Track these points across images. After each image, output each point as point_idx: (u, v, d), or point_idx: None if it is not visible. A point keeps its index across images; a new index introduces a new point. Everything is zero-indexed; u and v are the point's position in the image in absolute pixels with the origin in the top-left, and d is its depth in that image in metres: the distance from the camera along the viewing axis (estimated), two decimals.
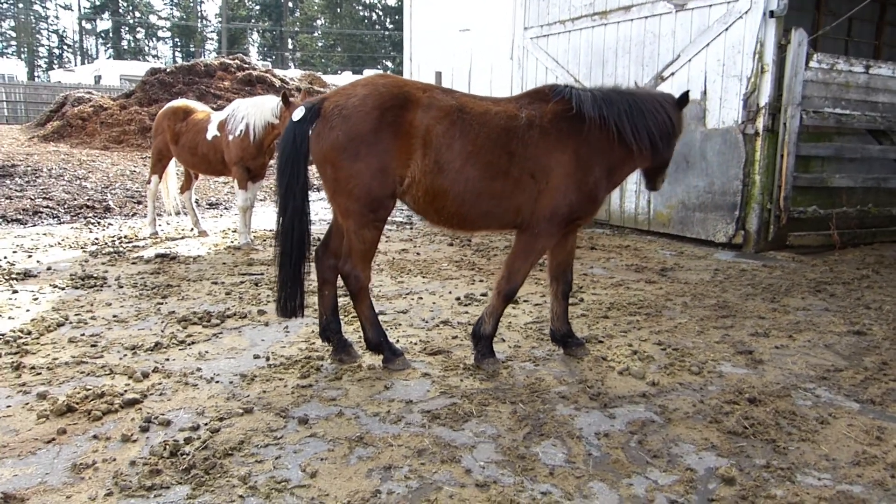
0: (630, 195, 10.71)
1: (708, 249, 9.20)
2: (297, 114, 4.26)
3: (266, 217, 11.38)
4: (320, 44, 73.26)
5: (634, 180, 10.54)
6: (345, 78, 36.67)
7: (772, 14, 8.53)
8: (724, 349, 5.11)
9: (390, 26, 71.03)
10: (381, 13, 75.15)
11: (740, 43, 8.89)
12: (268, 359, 4.71)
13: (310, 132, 4.20)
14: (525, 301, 6.31)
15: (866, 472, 3.36)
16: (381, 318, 5.64)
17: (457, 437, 3.62)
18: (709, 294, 6.71)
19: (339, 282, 4.71)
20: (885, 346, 5.30)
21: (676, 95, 4.74)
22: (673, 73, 9.78)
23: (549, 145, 4.28)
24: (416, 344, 5.07)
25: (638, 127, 4.40)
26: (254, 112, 8.21)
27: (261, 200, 13.08)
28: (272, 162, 8.92)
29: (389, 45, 69.36)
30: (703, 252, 9.02)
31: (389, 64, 67.50)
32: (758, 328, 5.63)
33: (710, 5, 9.22)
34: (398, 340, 5.11)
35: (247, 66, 23.47)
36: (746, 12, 8.75)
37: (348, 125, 4.06)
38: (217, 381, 4.30)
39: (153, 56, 74.85)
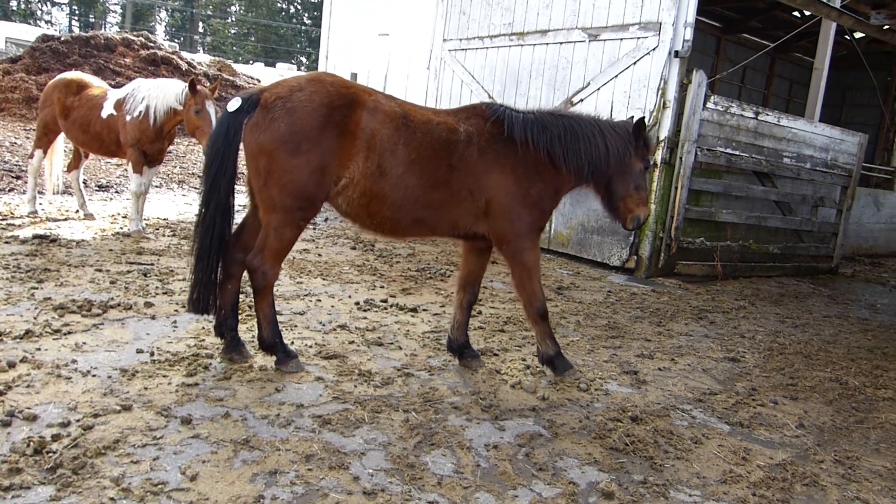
0: None
1: (603, 272, 9.55)
2: (233, 104, 4.08)
3: (161, 204, 10.86)
4: (233, 31, 71.02)
5: None
6: (256, 69, 35.64)
7: (676, 54, 9.00)
8: (612, 368, 5.31)
9: (308, 21, 69.76)
10: (299, 6, 73.69)
11: (646, 78, 9.33)
12: (152, 354, 4.48)
13: (244, 123, 4.04)
14: (424, 310, 6.32)
15: (732, 490, 3.57)
16: (277, 318, 5.50)
17: (347, 443, 3.56)
18: (601, 315, 6.96)
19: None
20: (755, 373, 5.67)
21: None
22: (582, 100, 10.13)
23: (488, 165, 4.40)
24: (311, 347, 4.97)
25: (568, 151, 4.52)
26: (156, 94, 7.84)
27: (156, 187, 12.48)
28: (171, 148, 8.54)
29: (306, 40, 68.08)
30: (599, 274, 9.36)
31: (304, 60, 66.24)
32: (644, 350, 5.88)
33: (621, 39, 9.63)
34: (293, 342, 4.98)
35: (152, 44, 22.39)
36: (654, 49, 9.20)
37: (293, 118, 3.94)
38: (94, 375, 4.04)
39: (46, 22, 70.02)
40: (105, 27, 67.71)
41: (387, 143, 4.13)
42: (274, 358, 4.48)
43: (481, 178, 4.39)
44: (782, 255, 11.29)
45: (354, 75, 14.31)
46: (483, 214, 4.48)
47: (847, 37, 16.18)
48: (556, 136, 4.52)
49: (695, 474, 3.70)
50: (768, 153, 10.46)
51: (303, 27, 70.05)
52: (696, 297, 8.56)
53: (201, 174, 4.32)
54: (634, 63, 9.43)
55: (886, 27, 11.48)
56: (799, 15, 18.72)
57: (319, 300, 6.25)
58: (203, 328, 5.05)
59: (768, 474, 3.80)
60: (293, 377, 4.35)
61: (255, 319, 4.53)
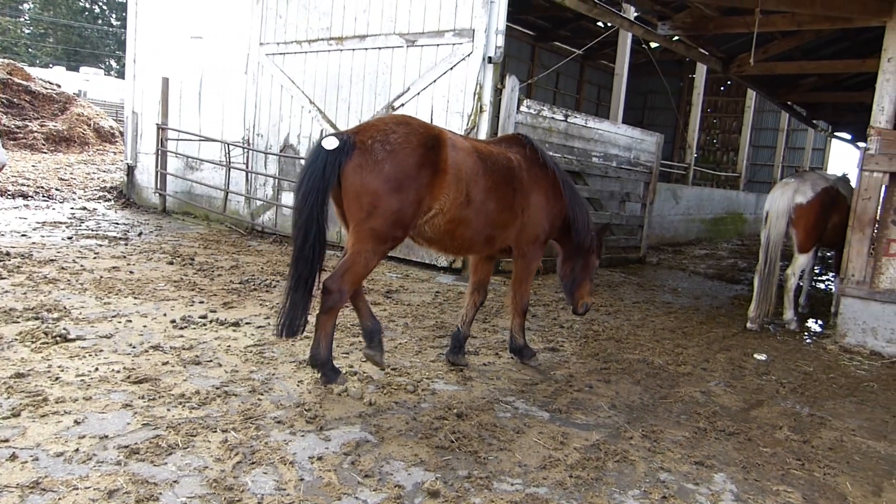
0: None
1: (431, 273, 9.72)
2: (330, 143, 4.32)
3: None
4: (28, 31, 64.38)
5: None
6: (56, 73, 32.48)
7: (490, 60, 9.37)
8: (439, 367, 5.39)
9: (116, 23, 64.72)
10: (104, 6, 68.25)
11: (463, 83, 9.62)
12: None
13: (342, 163, 4.31)
14: (247, 324, 6.06)
15: (551, 475, 3.74)
16: (79, 343, 5.05)
17: (157, 472, 3.31)
18: (429, 315, 7.06)
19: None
20: (573, 361, 6.02)
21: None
22: (403, 105, 10.25)
23: (531, 184, 5.19)
24: (118, 372, 4.57)
25: (572, 197, 5.47)
26: None
27: None
28: None
29: (114, 42, 63.16)
30: (427, 275, 9.51)
31: (113, 63, 61.55)
32: (469, 347, 6.03)
33: (438, 45, 9.86)
34: (97, 369, 4.57)
35: None
36: (468, 55, 9.51)
37: (396, 159, 4.34)
38: None
39: None
40: None
41: (471, 174, 4.69)
42: (321, 375, 4.65)
43: (528, 196, 5.16)
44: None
45: (166, 80, 13.49)
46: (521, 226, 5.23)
47: (644, 46, 17.73)
48: (566, 182, 5.46)
49: (517, 463, 3.84)
50: (579, 153, 11.19)
51: (110, 28, 64.97)
52: None
53: (294, 209, 4.45)
54: (451, 68, 9.69)
55: (676, 38, 12.70)
56: (602, 25, 20.23)
57: (130, 321, 5.80)
58: None
59: (584, 455, 4.03)
60: (96, 406, 3.98)
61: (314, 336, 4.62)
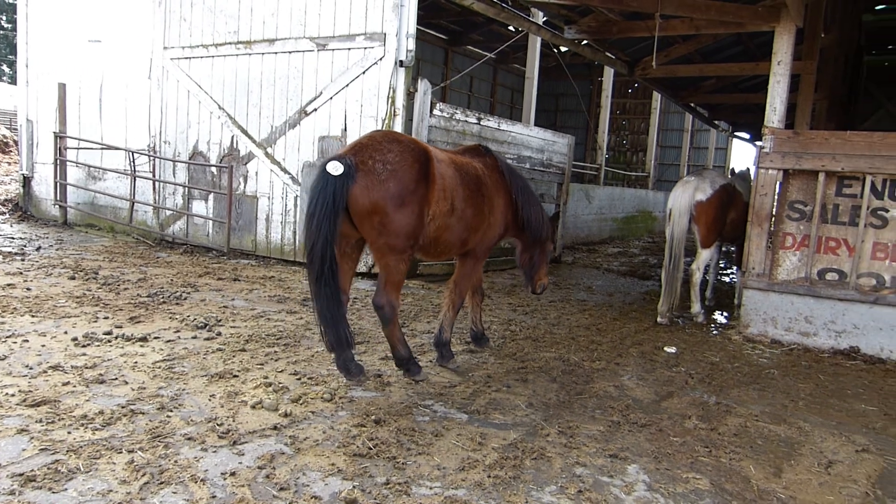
0: (276, 225, 10.73)
1: None
2: (336, 168, 4.46)
3: None
4: None
5: (280, 211, 10.59)
6: None
7: (401, 64, 9.36)
8: None
9: (7, 25, 61.14)
10: None
11: (376, 87, 9.58)
12: None
13: (349, 187, 4.50)
14: (156, 338, 5.82)
15: (469, 476, 3.75)
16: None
17: (56, 499, 3.14)
18: None
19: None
20: (490, 362, 6.07)
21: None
22: (316, 109, 10.12)
23: (494, 190, 5.55)
24: (13, 395, 4.30)
25: (525, 201, 5.77)
26: None
27: None
28: None
29: (5, 46, 59.58)
30: None
31: (5, 68, 58.00)
32: (387, 352, 5.99)
33: (349, 49, 9.78)
34: None
35: None
36: (381, 59, 9.47)
37: (397, 178, 4.62)
38: None
39: None
40: None
41: (453, 184, 5.02)
42: (407, 371, 5.20)
43: (493, 200, 5.52)
44: (512, 250, 12.28)
45: (63, 86, 12.84)
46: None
47: (554, 49, 18.16)
48: (519, 187, 5.75)
49: (435, 466, 3.84)
50: None
51: (0, 31, 61.25)
52: (438, 295, 8.98)
53: (306, 235, 4.59)
54: (364, 72, 9.63)
55: (585, 42, 13.04)
56: (512, 29, 20.60)
57: (27, 340, 5.46)
58: None
59: (502, 455, 4.06)
60: None
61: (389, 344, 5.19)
